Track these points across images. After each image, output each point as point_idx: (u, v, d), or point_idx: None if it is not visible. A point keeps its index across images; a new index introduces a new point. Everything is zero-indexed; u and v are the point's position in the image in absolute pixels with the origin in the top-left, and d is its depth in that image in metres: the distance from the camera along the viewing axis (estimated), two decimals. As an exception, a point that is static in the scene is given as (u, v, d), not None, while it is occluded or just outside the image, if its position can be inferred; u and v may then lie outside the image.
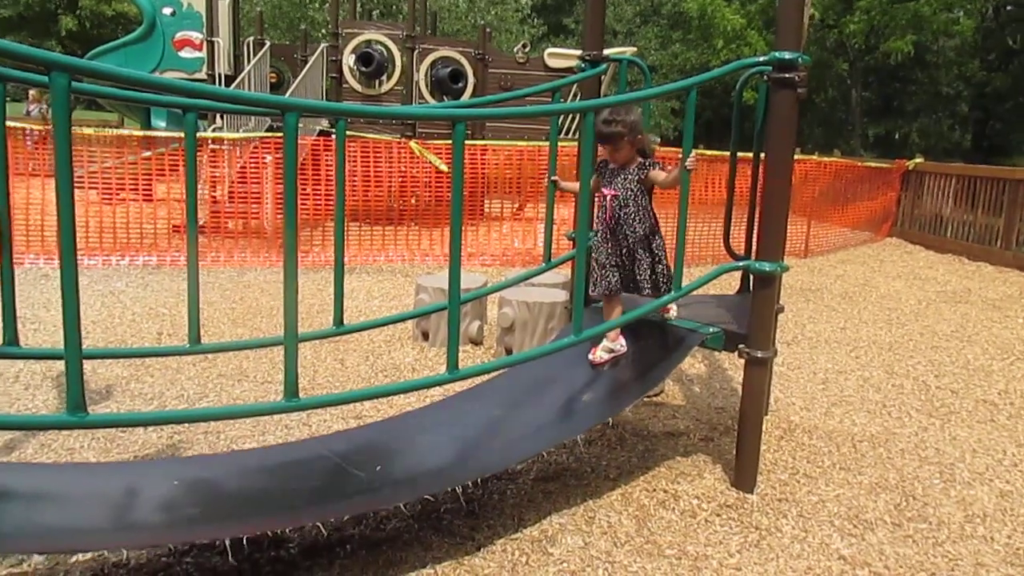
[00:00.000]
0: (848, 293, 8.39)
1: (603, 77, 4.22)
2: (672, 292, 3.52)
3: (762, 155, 3.59)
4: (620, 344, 3.77)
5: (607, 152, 3.65)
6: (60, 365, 4.65)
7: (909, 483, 3.69)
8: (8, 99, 2.44)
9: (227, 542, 2.50)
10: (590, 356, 3.76)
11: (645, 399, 4.62)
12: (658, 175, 3.61)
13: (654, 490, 3.49)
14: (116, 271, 7.90)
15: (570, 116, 11.37)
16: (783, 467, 3.79)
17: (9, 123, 2.63)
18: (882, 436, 4.26)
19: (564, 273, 5.82)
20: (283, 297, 2.46)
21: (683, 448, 3.97)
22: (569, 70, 11.85)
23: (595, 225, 3.80)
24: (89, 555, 2.77)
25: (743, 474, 3.52)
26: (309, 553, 2.86)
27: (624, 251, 3.67)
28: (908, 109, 27.04)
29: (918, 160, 13.28)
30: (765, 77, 3.35)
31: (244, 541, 2.69)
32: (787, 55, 3.19)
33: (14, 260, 2.44)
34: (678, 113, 29.47)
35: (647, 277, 3.63)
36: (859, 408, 4.70)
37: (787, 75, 3.20)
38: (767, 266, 3.35)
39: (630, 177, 3.61)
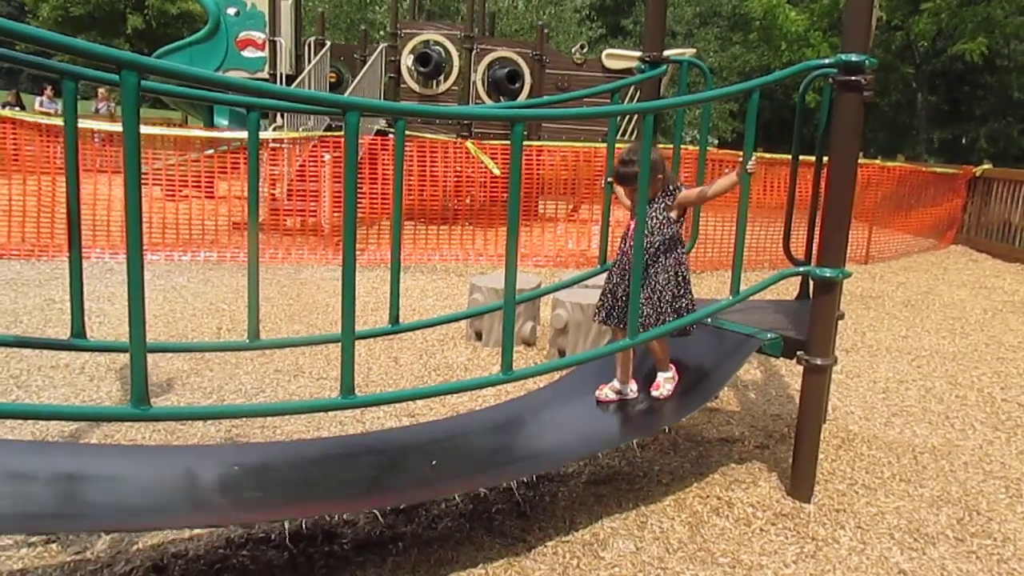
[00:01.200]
0: (910, 301, 8.17)
1: (663, 79, 4.18)
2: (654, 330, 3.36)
3: (824, 159, 3.51)
4: (671, 374, 3.67)
5: (627, 193, 3.56)
6: (124, 358, 4.79)
7: (973, 497, 3.58)
8: (78, 97, 2.51)
9: (286, 528, 2.54)
10: (597, 394, 3.66)
11: (699, 404, 4.57)
12: (689, 194, 3.47)
13: (707, 497, 3.44)
14: (178, 267, 8.09)
15: (628, 118, 11.33)
16: (841, 477, 3.71)
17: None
18: (944, 448, 4.14)
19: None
20: (341, 294, 2.49)
21: (738, 455, 3.91)
22: (627, 71, 11.78)
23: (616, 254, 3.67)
24: (150, 544, 2.84)
25: (800, 483, 3.45)
26: (361, 549, 2.88)
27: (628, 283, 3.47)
28: (976, 114, 26.23)
29: (986, 166, 12.88)
30: (830, 80, 3.28)
31: (300, 533, 2.73)
32: (854, 57, 3.12)
33: (82, 255, 2.50)
34: (736, 116, 29.07)
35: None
36: (920, 419, 4.57)
37: (853, 78, 3.13)
38: (828, 272, 3.28)
39: (654, 214, 3.44)
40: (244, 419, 3.98)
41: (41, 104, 20.80)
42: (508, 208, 2.74)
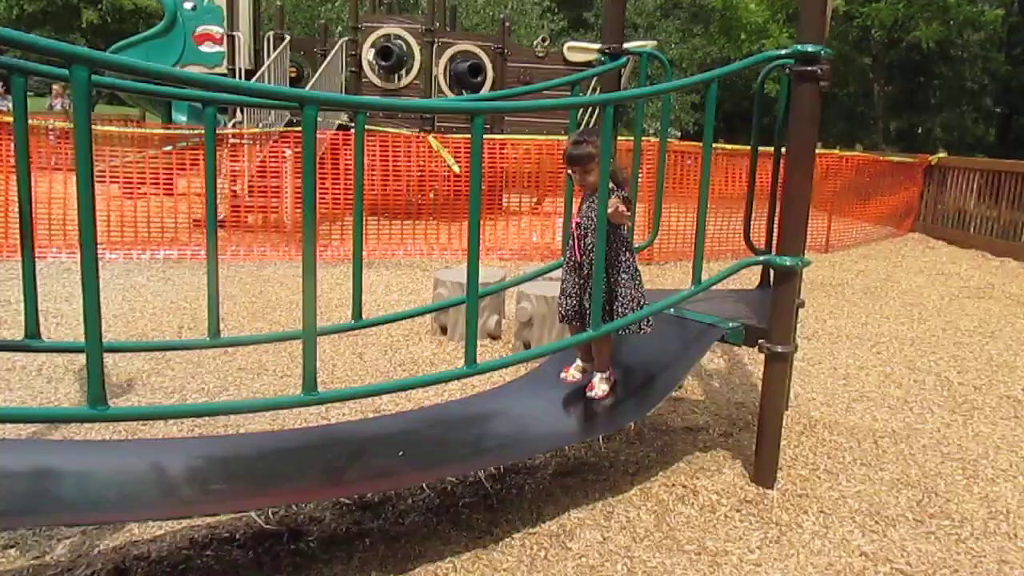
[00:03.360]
0: (869, 288, 8.31)
1: (623, 71, 4.19)
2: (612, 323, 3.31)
3: (783, 149, 3.55)
4: (608, 374, 3.59)
5: (576, 177, 3.41)
6: (82, 359, 4.69)
7: (931, 479, 3.66)
8: (31, 94, 2.46)
9: (253, 525, 2.51)
10: (589, 392, 3.57)
11: (664, 394, 4.60)
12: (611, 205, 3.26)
13: (673, 485, 3.47)
14: (137, 265, 7.96)
15: (589, 110, 11.35)
16: (803, 463, 3.76)
17: (31, 120, 2.66)
18: (904, 432, 4.22)
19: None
20: (302, 291, 2.47)
21: (702, 443, 3.95)
22: (589, 64, 11.81)
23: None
24: (111, 547, 2.80)
25: (763, 470, 3.50)
26: (328, 546, 2.86)
27: (584, 282, 3.45)
28: (931, 103, 26.74)
29: (941, 155, 13.14)
30: (787, 70, 3.32)
31: (264, 531, 2.70)
32: (810, 48, 3.15)
33: (36, 254, 2.45)
34: (698, 107, 29.29)
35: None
36: (880, 404, 4.66)
37: (810, 68, 3.16)
38: (788, 260, 3.32)
39: (594, 206, 3.25)
40: (206, 418, 3.93)
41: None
42: (470, 201, 2.73)
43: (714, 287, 3.59)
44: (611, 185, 3.27)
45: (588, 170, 3.31)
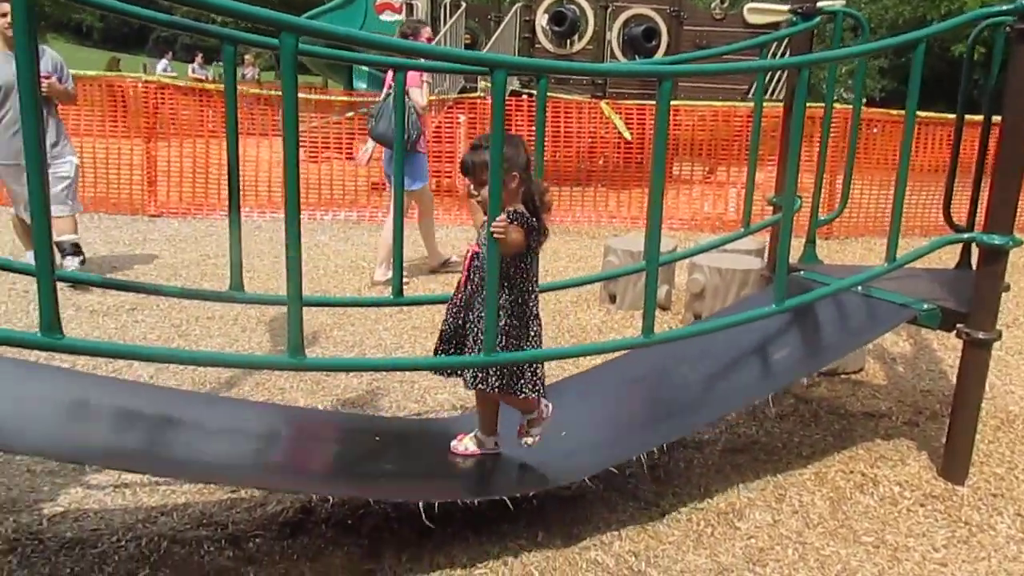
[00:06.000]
0: (1081, 273, 7.53)
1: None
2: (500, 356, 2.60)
3: (994, 117, 3.25)
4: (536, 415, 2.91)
5: (472, 190, 2.66)
6: (272, 311, 5.03)
7: None
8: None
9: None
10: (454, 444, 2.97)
11: (843, 376, 4.38)
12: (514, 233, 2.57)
13: (851, 472, 3.31)
14: (320, 225, 8.41)
15: (775, 75, 10.87)
16: (999, 460, 3.48)
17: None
18: (1120, 434, 3.81)
19: (760, 240, 5.60)
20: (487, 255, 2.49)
21: (884, 431, 3.74)
22: (771, 26, 11.29)
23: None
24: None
25: (953, 464, 3.26)
26: (494, 505, 2.91)
27: (479, 324, 2.68)
28: None
29: None
30: (1005, 28, 3.02)
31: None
32: (1036, 3, 2.85)
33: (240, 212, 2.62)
34: (886, 72, 27.38)
35: (474, 340, 2.71)
36: (1092, 401, 4.23)
37: (1034, 27, 2.86)
38: (997, 239, 3.04)
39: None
40: (383, 373, 4.11)
41: (193, 71, 21.96)
42: (652, 168, 2.67)
43: (909, 265, 3.35)
44: (516, 207, 2.61)
45: (484, 182, 2.53)
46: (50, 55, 5.50)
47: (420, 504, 2.54)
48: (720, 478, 3.22)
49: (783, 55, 8.25)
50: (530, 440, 2.90)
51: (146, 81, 9.68)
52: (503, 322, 2.63)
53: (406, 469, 2.91)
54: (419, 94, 5.83)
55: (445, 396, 3.91)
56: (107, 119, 9.04)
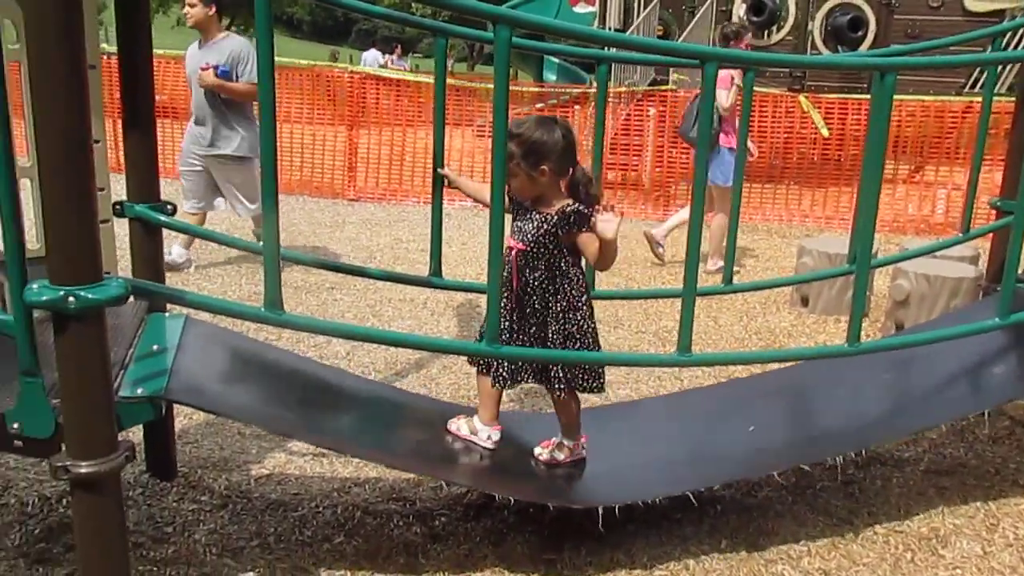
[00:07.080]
0: None
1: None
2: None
3: None
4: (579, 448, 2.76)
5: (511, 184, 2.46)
6: (460, 297, 5.18)
7: None
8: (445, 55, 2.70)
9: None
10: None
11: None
12: (589, 243, 2.45)
13: (1078, 507, 2.99)
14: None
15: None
16: None
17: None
18: None
19: (974, 246, 5.17)
20: (686, 251, 2.46)
21: (1121, 464, 3.35)
22: (997, 14, 10.35)
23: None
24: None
25: None
26: (678, 505, 2.85)
27: (532, 328, 2.57)
28: None
29: None
30: None
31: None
32: None
33: (428, 200, 2.71)
34: None
35: (559, 369, 2.58)
36: None
37: None
38: None
39: (545, 227, 2.46)
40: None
41: (392, 62, 23.04)
42: (863, 166, 2.52)
43: None
44: (567, 203, 2.46)
45: (514, 175, 2.41)
46: (229, 46, 5.38)
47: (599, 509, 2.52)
48: (922, 500, 3.00)
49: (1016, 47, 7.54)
50: (546, 456, 2.71)
51: (352, 72, 10.24)
52: (588, 325, 2.58)
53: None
54: (724, 95, 5.86)
55: (625, 392, 3.87)
56: (316, 107, 9.65)
